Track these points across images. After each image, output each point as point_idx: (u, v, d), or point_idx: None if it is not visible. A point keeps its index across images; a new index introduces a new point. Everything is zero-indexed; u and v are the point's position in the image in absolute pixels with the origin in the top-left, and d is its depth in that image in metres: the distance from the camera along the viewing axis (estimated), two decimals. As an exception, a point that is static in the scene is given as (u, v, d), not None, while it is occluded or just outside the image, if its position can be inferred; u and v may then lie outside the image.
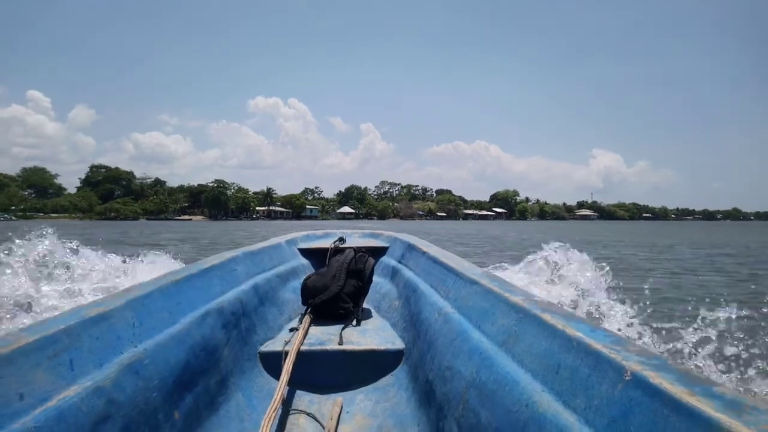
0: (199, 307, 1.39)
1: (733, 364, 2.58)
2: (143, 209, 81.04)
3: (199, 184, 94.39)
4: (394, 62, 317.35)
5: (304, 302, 2.06)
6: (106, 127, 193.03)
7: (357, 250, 2.29)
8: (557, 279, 4.38)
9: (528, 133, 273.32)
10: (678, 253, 13.07)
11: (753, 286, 6.61)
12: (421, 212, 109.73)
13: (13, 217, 62.23)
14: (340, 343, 1.66)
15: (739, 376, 2.48)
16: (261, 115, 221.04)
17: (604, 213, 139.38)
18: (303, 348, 1.60)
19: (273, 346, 1.69)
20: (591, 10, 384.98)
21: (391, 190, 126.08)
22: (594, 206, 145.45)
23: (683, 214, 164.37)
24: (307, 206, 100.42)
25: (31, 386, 0.76)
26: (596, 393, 0.68)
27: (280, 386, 1.26)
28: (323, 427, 1.34)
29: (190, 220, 76.49)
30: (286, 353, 1.48)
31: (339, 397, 1.50)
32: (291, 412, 1.43)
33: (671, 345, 2.82)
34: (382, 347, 1.66)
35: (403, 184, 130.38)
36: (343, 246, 2.69)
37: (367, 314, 2.13)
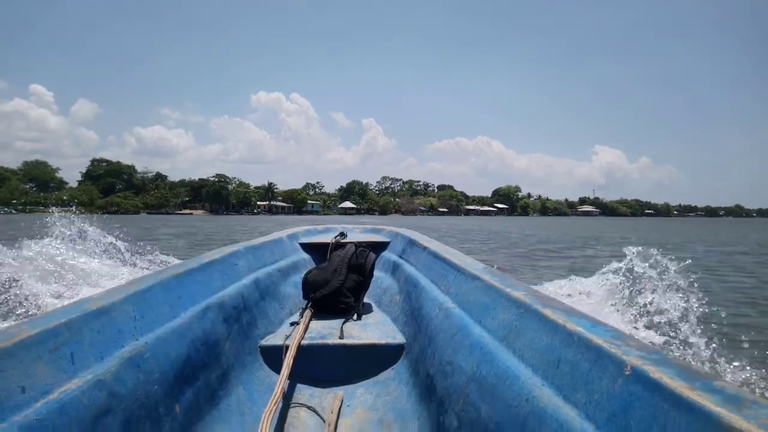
0: (200, 301, 1.39)
1: None
2: (144, 203, 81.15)
3: (200, 179, 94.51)
4: (396, 60, 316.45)
5: (305, 297, 2.06)
6: (109, 121, 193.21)
7: (358, 245, 2.29)
8: (639, 302, 3.52)
9: (530, 130, 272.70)
10: (693, 251, 12.64)
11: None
12: (422, 208, 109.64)
13: (13, 211, 62.25)
14: (341, 338, 1.67)
15: None
16: (263, 109, 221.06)
17: (606, 209, 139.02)
18: (304, 342, 1.60)
19: (274, 340, 1.69)
20: (592, 10, 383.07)
21: (392, 186, 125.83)
22: (596, 202, 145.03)
23: (685, 211, 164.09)
24: (309, 201, 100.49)
25: (32, 379, 0.77)
26: (596, 387, 0.68)
27: (281, 380, 1.27)
28: (324, 421, 1.35)
29: (191, 214, 76.58)
30: (287, 347, 1.49)
31: (340, 391, 1.51)
32: (292, 405, 1.43)
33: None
34: (383, 341, 1.66)
35: (405, 179, 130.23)
36: (344, 241, 2.70)
37: (368, 309, 2.13)
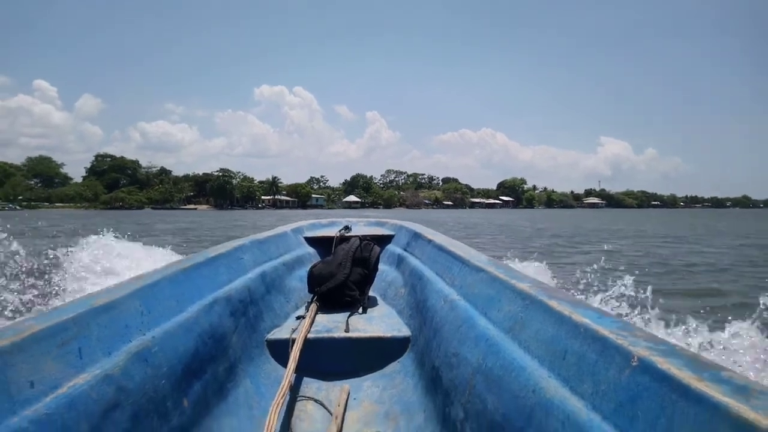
0: (207, 295, 1.40)
1: None
2: (148, 198, 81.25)
3: (204, 173, 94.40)
4: (400, 53, 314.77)
5: (310, 290, 2.07)
6: (113, 116, 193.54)
7: (362, 238, 2.29)
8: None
9: (535, 122, 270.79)
10: (713, 244, 12.18)
11: None
12: (427, 201, 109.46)
13: (18, 207, 62.70)
14: (347, 331, 1.67)
15: None
16: (266, 103, 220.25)
17: (612, 201, 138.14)
18: (310, 335, 1.61)
19: (280, 333, 1.70)
20: (597, 2, 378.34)
21: (397, 179, 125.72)
22: (602, 194, 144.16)
23: (692, 202, 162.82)
24: (313, 195, 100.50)
25: (41, 374, 0.77)
26: (603, 378, 0.68)
27: (288, 373, 1.27)
28: (331, 414, 1.35)
29: (195, 209, 76.68)
30: (294, 341, 1.49)
31: (346, 384, 1.51)
32: (299, 398, 1.44)
33: None
34: (389, 334, 1.66)
35: (409, 172, 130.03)
36: (348, 234, 2.70)
37: (373, 302, 2.14)
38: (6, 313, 3.34)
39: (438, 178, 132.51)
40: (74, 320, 0.89)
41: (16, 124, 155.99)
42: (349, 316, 1.84)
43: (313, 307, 1.89)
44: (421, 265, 1.99)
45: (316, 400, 1.44)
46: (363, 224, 3.21)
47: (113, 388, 0.88)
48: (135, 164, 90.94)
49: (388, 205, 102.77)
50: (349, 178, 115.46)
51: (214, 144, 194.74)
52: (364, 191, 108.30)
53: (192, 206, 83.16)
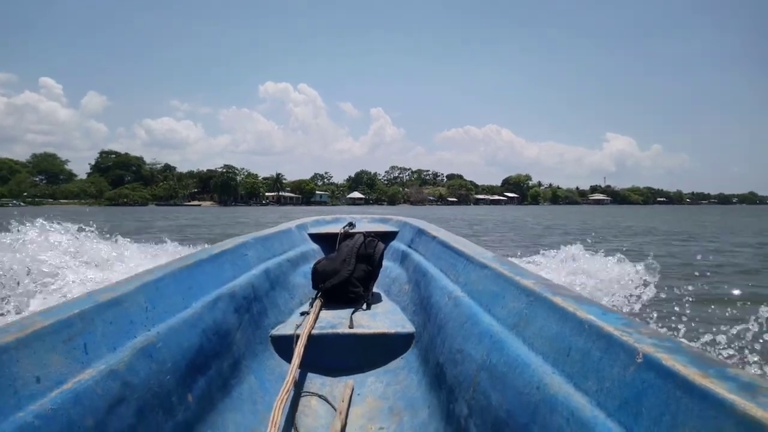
0: (211, 292, 1.40)
1: None
2: (152, 195, 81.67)
3: (208, 170, 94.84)
4: (405, 49, 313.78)
5: (314, 286, 2.07)
6: (118, 113, 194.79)
7: (366, 234, 2.29)
8: None
9: (540, 118, 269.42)
10: (734, 243, 11.45)
11: None
12: (431, 197, 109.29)
13: (22, 203, 63.05)
14: (351, 327, 1.68)
15: None
16: (271, 100, 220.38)
17: (617, 197, 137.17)
18: (314, 331, 1.61)
19: (284, 329, 1.71)
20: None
21: (401, 176, 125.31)
22: (607, 190, 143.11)
23: (698, 199, 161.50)
24: (317, 192, 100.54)
25: (47, 369, 0.77)
26: (608, 375, 0.68)
27: (292, 369, 1.27)
28: (335, 409, 1.36)
29: (199, 205, 76.94)
30: (298, 336, 1.50)
31: (350, 380, 1.52)
32: (303, 394, 1.44)
33: None
34: (393, 330, 1.67)
35: (414, 169, 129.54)
36: (352, 231, 2.70)
37: (377, 298, 2.14)
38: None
39: (442, 174, 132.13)
40: (79, 316, 0.90)
41: (22, 121, 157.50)
42: (353, 312, 1.84)
43: (317, 303, 1.89)
44: (425, 261, 1.99)
45: (320, 396, 1.44)
46: (367, 221, 3.21)
47: (118, 384, 0.88)
48: (139, 161, 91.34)
49: (392, 201, 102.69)
50: (353, 175, 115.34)
51: (218, 141, 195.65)
52: (368, 188, 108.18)
53: (196, 203, 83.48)
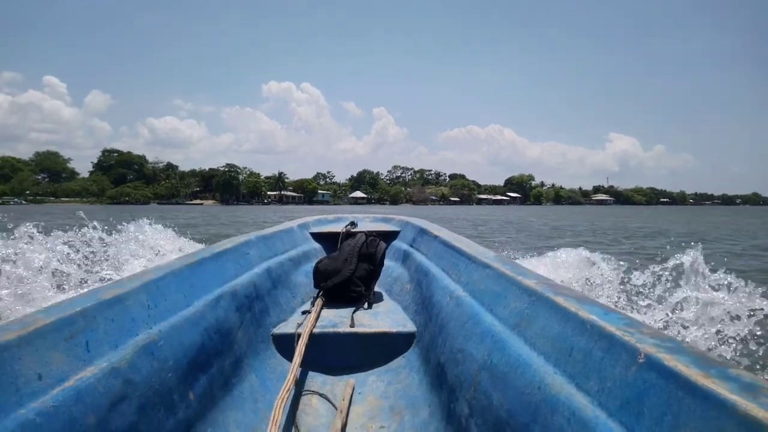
0: (213, 290, 1.40)
1: None
2: (154, 193, 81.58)
3: (210, 169, 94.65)
4: (408, 49, 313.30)
5: (316, 285, 2.08)
6: (122, 112, 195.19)
7: (368, 234, 2.29)
8: None
9: (543, 118, 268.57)
10: (755, 246, 11.02)
11: None
12: (434, 197, 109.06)
13: (24, 202, 63.23)
14: (352, 326, 1.68)
15: None
16: (274, 99, 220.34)
17: (620, 198, 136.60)
18: (315, 330, 1.61)
19: (286, 328, 1.71)
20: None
21: (403, 175, 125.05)
22: (610, 191, 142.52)
23: (701, 199, 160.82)
24: (319, 191, 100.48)
25: (49, 367, 0.78)
26: (609, 375, 0.68)
27: (293, 368, 1.28)
28: (335, 408, 1.36)
29: (201, 204, 76.99)
30: (299, 335, 1.50)
31: (351, 379, 1.52)
32: (304, 393, 1.44)
33: None
34: (394, 330, 1.67)
35: (416, 168, 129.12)
36: (354, 230, 2.70)
37: (379, 297, 2.14)
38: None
39: (445, 174, 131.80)
40: (81, 314, 0.90)
41: (26, 120, 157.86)
42: (355, 312, 1.84)
43: (319, 302, 1.90)
44: (427, 261, 1.99)
45: (321, 395, 1.44)
46: (369, 220, 3.21)
47: (120, 381, 0.88)
48: (142, 159, 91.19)
49: (395, 201, 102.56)
50: (355, 174, 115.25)
51: (222, 140, 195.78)
52: (371, 187, 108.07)
53: (198, 201, 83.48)
